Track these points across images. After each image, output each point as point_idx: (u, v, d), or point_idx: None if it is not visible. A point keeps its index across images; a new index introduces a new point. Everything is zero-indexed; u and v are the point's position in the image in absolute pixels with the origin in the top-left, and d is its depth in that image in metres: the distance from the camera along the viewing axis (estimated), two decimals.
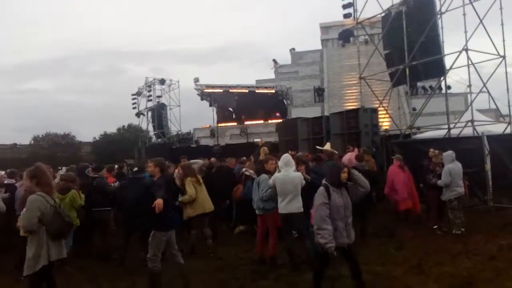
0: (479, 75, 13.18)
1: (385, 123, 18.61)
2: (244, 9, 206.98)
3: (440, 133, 13.46)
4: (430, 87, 23.99)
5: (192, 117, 62.41)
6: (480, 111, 15.33)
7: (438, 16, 13.93)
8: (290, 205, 6.43)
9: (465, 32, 13.06)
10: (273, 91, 29.15)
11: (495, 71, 13.70)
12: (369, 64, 17.09)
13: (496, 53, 13.47)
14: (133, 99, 32.23)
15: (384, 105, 16.17)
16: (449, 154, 8.38)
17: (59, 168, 14.66)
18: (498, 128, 12.93)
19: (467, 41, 12.80)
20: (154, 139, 33.74)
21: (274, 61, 35.66)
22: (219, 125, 28.81)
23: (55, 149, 48.62)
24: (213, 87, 29.10)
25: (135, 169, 8.17)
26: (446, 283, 5.60)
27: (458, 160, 8.40)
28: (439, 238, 8.09)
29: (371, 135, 13.37)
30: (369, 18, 17.24)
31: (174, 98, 30.74)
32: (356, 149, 11.04)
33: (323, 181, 5.14)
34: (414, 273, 6.06)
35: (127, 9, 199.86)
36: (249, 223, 9.08)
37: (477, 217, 9.27)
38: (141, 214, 7.06)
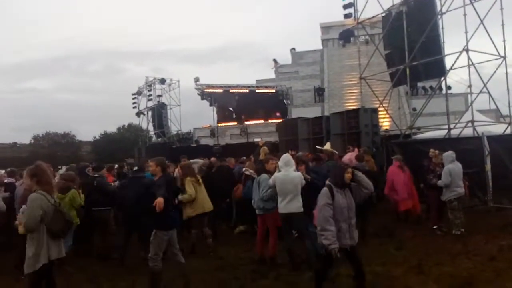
0: (479, 75, 13.20)
1: (385, 123, 18.61)
2: (244, 9, 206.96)
3: (440, 133, 13.45)
4: (431, 87, 23.98)
5: (192, 117, 62.46)
6: (480, 111, 15.31)
7: (439, 16, 13.93)
8: (290, 205, 6.43)
9: (466, 32, 13.07)
10: (273, 91, 29.15)
11: (495, 71, 13.72)
12: (370, 64, 17.09)
13: (497, 53, 13.47)
14: (133, 98, 32.25)
15: (384, 105, 16.18)
16: (449, 154, 8.38)
17: (59, 167, 14.66)
18: (498, 129, 12.93)
19: (467, 42, 12.81)
20: (154, 138, 33.74)
21: (275, 61, 35.65)
22: (219, 124, 28.81)
23: (55, 148, 48.63)
24: (213, 86, 29.11)
25: (135, 168, 8.18)
26: (446, 284, 5.60)
27: (458, 160, 8.40)
28: (439, 238, 8.10)
29: (371, 135, 13.37)
30: (369, 18, 17.24)
31: (175, 98, 30.79)
32: (356, 149, 11.04)
33: (327, 182, 5.08)
34: (414, 273, 6.06)
35: (127, 9, 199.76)
36: (249, 223, 9.08)
37: (477, 218, 9.27)
38: (141, 213, 7.08)
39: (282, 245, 6.80)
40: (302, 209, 6.48)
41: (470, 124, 12.23)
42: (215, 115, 29.77)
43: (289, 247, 6.66)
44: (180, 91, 30.77)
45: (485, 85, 13.29)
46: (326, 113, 20.92)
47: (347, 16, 17.73)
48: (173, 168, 8.66)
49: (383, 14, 16.01)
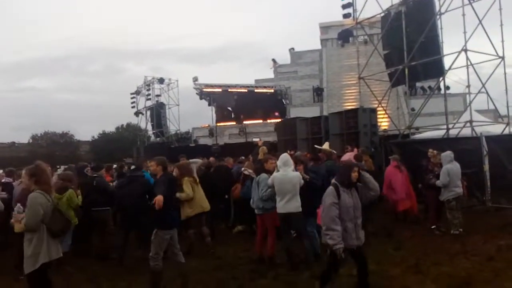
0: (478, 75, 13.19)
1: (384, 123, 18.64)
2: (244, 9, 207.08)
3: (438, 133, 13.46)
4: (429, 87, 24.00)
5: (191, 117, 62.46)
6: (478, 111, 15.32)
7: (438, 16, 13.94)
8: (289, 204, 6.43)
9: (464, 32, 13.06)
10: (272, 90, 29.14)
11: (494, 71, 13.70)
12: (368, 64, 17.10)
13: (495, 53, 13.48)
14: (132, 98, 32.23)
15: (383, 105, 16.20)
16: (448, 154, 8.39)
17: (58, 167, 14.64)
18: (497, 129, 12.94)
19: (466, 42, 12.80)
20: (153, 138, 33.74)
21: (273, 60, 35.65)
22: (218, 124, 28.80)
23: (53, 148, 48.67)
24: (212, 86, 29.10)
25: (132, 167, 8.18)
26: (444, 283, 5.61)
27: (457, 160, 8.41)
28: (437, 238, 8.10)
29: (370, 135, 13.38)
30: (368, 18, 17.24)
31: (173, 97, 30.82)
32: (355, 149, 11.05)
33: (333, 181, 5.00)
34: (412, 273, 6.07)
35: (127, 8, 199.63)
36: (248, 222, 9.08)
37: (475, 218, 9.28)
38: (140, 212, 7.08)
39: (281, 245, 6.80)
40: (300, 209, 6.49)
41: (468, 124, 12.24)
42: (214, 115, 29.78)
43: (288, 247, 6.67)
44: (179, 90, 30.87)
45: (483, 85, 13.30)
46: (325, 113, 20.94)
47: (346, 16, 17.74)
48: (171, 167, 8.65)
49: (382, 14, 16.01)
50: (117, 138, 49.97)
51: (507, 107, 13.83)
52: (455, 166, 8.31)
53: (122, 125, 54.34)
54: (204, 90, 28.74)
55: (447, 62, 14.26)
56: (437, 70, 14.08)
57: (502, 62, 13.51)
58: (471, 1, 13.35)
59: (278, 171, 6.63)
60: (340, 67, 31.37)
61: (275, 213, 6.60)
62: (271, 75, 35.11)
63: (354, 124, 13.64)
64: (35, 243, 4.30)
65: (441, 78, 14.87)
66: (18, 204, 4.49)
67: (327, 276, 5.04)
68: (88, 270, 6.97)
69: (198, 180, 7.80)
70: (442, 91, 16.14)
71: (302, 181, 6.60)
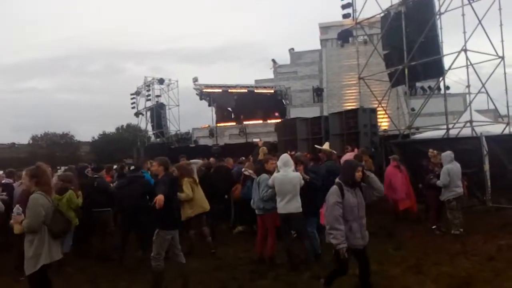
0: (478, 75, 13.19)
1: (384, 123, 18.63)
2: (244, 9, 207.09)
3: (438, 133, 13.46)
4: (429, 87, 24.01)
5: (191, 117, 62.48)
6: (478, 111, 15.33)
7: (437, 16, 13.94)
8: (289, 205, 6.44)
9: (464, 32, 13.06)
10: (272, 91, 29.17)
11: (493, 71, 13.70)
12: (368, 64, 17.10)
13: (495, 53, 13.48)
14: (132, 98, 32.25)
15: (383, 105, 16.20)
16: (448, 154, 8.38)
17: (58, 167, 14.64)
18: (497, 129, 12.94)
19: (466, 42, 12.80)
20: (153, 138, 33.73)
21: (273, 61, 35.68)
22: (218, 125, 28.80)
23: (53, 148, 48.69)
24: (212, 87, 29.11)
25: (132, 167, 8.18)
26: (445, 283, 5.60)
27: (457, 160, 8.40)
28: (437, 238, 8.10)
29: (370, 135, 13.37)
30: (368, 18, 17.24)
31: (173, 98, 30.82)
32: (356, 149, 11.05)
33: (336, 180, 4.93)
34: (412, 273, 6.07)
35: (127, 8, 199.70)
36: (248, 223, 9.09)
37: (475, 218, 9.27)
38: (140, 212, 7.09)
39: (281, 245, 6.80)
40: (301, 209, 6.49)
41: (468, 124, 12.24)
42: (214, 115, 29.80)
43: (288, 247, 6.67)
44: (179, 91, 30.88)
45: (483, 85, 13.30)
46: (325, 113, 20.94)
47: (345, 16, 17.74)
48: (171, 168, 8.65)
49: (382, 14, 16.01)
50: (117, 139, 50.00)
51: (507, 107, 13.84)
52: (456, 166, 8.30)
53: (122, 125, 54.46)
54: (204, 90, 28.76)
55: (447, 62, 14.29)
56: (437, 70, 14.08)
57: (502, 62, 13.52)
58: (471, 1, 13.36)
59: (278, 171, 6.64)
60: (340, 67, 31.38)
61: (276, 214, 6.60)
62: (271, 76, 35.15)
63: (354, 124, 13.64)
64: (36, 244, 4.29)
65: (441, 78, 14.87)
66: (17, 205, 4.48)
67: (333, 276, 5.00)
68: (88, 270, 6.97)
69: (197, 180, 7.81)
70: (442, 91, 16.15)
71: (303, 182, 6.60)
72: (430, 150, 9.20)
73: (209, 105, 29.84)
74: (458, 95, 21.58)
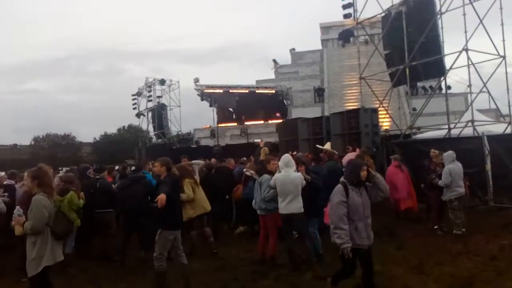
0: (479, 75, 13.19)
1: (385, 123, 18.60)
2: (244, 9, 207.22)
3: (440, 133, 13.45)
4: (430, 87, 23.99)
5: (192, 118, 62.47)
6: (480, 111, 15.32)
7: (438, 16, 13.92)
8: (291, 205, 6.44)
9: (465, 32, 13.06)
10: (273, 91, 29.19)
11: (495, 71, 13.69)
12: (369, 64, 17.08)
13: (496, 53, 13.46)
14: (133, 99, 32.31)
15: (384, 105, 16.17)
16: (449, 154, 8.37)
17: (60, 169, 14.66)
18: (499, 128, 12.91)
19: (467, 41, 12.80)
20: (154, 139, 33.78)
21: (274, 61, 35.71)
22: (219, 125, 28.83)
23: (55, 149, 48.73)
24: (213, 87, 29.15)
25: (132, 168, 8.19)
26: (446, 284, 5.60)
27: (459, 160, 8.39)
28: (439, 238, 8.09)
29: (372, 136, 13.35)
30: (369, 18, 17.23)
31: (174, 99, 30.84)
32: (357, 149, 11.04)
33: (341, 179, 4.89)
34: (414, 273, 6.06)
35: (127, 9, 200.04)
36: (250, 223, 9.08)
37: (477, 217, 9.26)
38: (142, 213, 7.09)
39: (283, 246, 6.80)
40: (302, 210, 6.49)
41: (470, 123, 12.22)
42: (215, 116, 29.83)
43: (290, 247, 6.66)
44: (180, 91, 30.88)
45: (484, 85, 13.28)
46: (326, 113, 20.91)
47: (346, 16, 17.71)
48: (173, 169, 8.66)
49: (383, 14, 16.00)
50: (118, 140, 49.99)
51: (509, 106, 13.80)
52: (457, 166, 8.29)
53: (124, 126, 54.42)
54: (205, 91, 28.80)
55: (448, 61, 14.27)
56: (438, 69, 14.07)
57: (503, 62, 13.51)
58: (472, 1, 13.34)
59: (280, 172, 6.63)
60: (341, 67, 31.40)
61: (277, 214, 6.60)
62: (272, 76, 35.20)
63: (355, 124, 13.62)
64: (39, 246, 4.29)
65: (442, 78, 14.85)
66: (17, 207, 4.48)
67: (341, 276, 4.95)
68: (90, 271, 6.98)
69: (198, 181, 7.81)
70: (443, 91, 16.12)
71: (304, 182, 6.60)
72: (432, 150, 9.19)
73: (210, 106, 29.89)
74: (460, 94, 21.54)
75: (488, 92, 13.63)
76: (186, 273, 5.76)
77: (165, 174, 5.81)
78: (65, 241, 6.35)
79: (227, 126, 29.87)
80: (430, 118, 17.87)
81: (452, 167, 8.17)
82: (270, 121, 28.35)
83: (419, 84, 24.96)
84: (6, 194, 7.98)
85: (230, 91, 29.09)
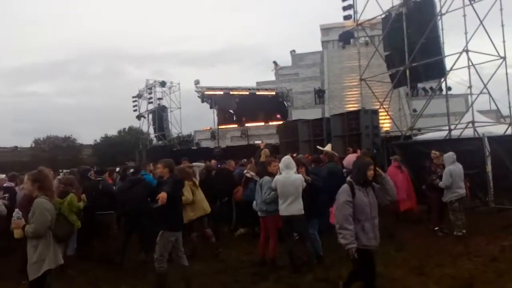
0: (479, 76, 13.19)
1: (385, 124, 18.59)
2: (244, 11, 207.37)
3: (440, 134, 13.44)
4: (431, 88, 23.96)
5: (193, 119, 62.51)
6: (480, 112, 15.29)
7: (438, 17, 13.93)
8: (291, 207, 6.43)
9: (466, 33, 13.07)
10: (274, 93, 29.21)
11: (495, 72, 13.67)
12: (370, 66, 17.09)
13: (497, 54, 13.46)
14: (133, 101, 32.37)
15: (384, 106, 16.17)
16: (450, 155, 8.36)
17: (60, 171, 14.66)
18: (499, 129, 12.90)
19: (467, 42, 12.80)
20: (155, 141, 33.81)
21: (275, 63, 35.73)
22: (220, 127, 28.88)
23: (56, 152, 48.74)
24: (213, 89, 29.18)
25: (131, 170, 8.19)
26: (447, 285, 5.59)
27: (459, 161, 8.38)
28: (440, 239, 8.08)
29: (372, 137, 13.35)
30: (369, 20, 17.25)
31: (175, 101, 30.92)
32: (358, 151, 11.02)
33: (348, 179, 4.82)
34: (414, 275, 6.05)
35: (127, 10, 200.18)
36: (250, 225, 9.07)
37: (478, 219, 9.25)
38: (143, 215, 7.08)
39: (283, 248, 6.79)
40: (303, 211, 6.48)
41: (470, 125, 12.21)
42: (216, 118, 29.89)
43: (290, 249, 6.65)
44: (181, 93, 30.98)
45: (485, 86, 13.28)
46: (327, 115, 20.92)
47: (346, 17, 17.75)
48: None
49: (383, 16, 16.04)
50: (119, 142, 50.01)
51: (509, 107, 13.78)
52: (458, 167, 8.28)
53: (124, 128, 54.47)
54: (206, 93, 28.84)
55: (448, 63, 14.26)
56: (439, 71, 14.08)
57: (504, 63, 13.50)
58: (472, 2, 13.34)
59: (280, 173, 6.63)
60: (341, 69, 31.40)
61: (278, 216, 6.60)
62: (272, 77, 35.23)
63: (356, 125, 13.62)
64: (41, 249, 4.27)
65: (442, 79, 14.84)
66: (16, 210, 4.48)
67: (353, 279, 4.88)
68: (90, 273, 6.97)
69: (197, 183, 7.82)
70: (444, 92, 16.11)
71: (305, 184, 6.59)
72: (433, 151, 9.18)
73: (211, 108, 29.93)
74: (460, 96, 21.53)
75: (489, 93, 13.63)
76: (187, 275, 5.76)
77: (168, 175, 5.80)
78: (67, 242, 6.36)
79: (228, 128, 29.90)
80: (431, 119, 17.88)
81: (452, 168, 8.17)
82: (270, 123, 28.39)
83: (420, 85, 24.93)
84: (7, 195, 8.00)
85: (231, 93, 29.11)
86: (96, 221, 7.69)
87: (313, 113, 23.25)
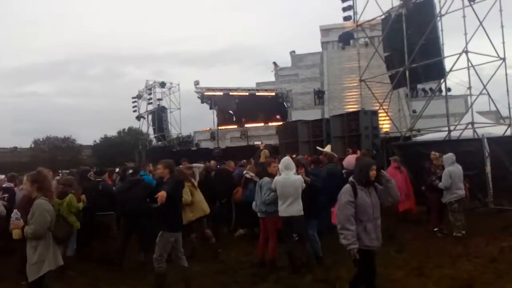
0: (479, 77, 13.19)
1: (385, 125, 18.59)
2: (244, 11, 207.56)
3: (440, 135, 13.44)
4: (430, 89, 23.98)
5: (193, 120, 62.52)
6: (480, 113, 15.29)
7: (438, 18, 13.94)
8: (291, 208, 6.43)
9: (465, 34, 13.06)
10: (273, 93, 29.23)
11: (495, 73, 13.68)
12: (369, 67, 17.09)
13: (496, 55, 13.46)
14: (133, 102, 32.38)
15: (384, 107, 16.17)
16: (449, 156, 8.36)
17: (59, 171, 14.64)
18: (499, 130, 12.90)
19: (467, 43, 12.80)
20: (154, 142, 33.79)
21: (274, 63, 35.76)
22: (220, 128, 28.89)
23: (55, 152, 48.73)
24: (213, 90, 29.19)
25: (130, 171, 8.18)
26: (447, 286, 5.60)
27: (459, 162, 8.38)
28: (439, 240, 8.08)
29: (372, 138, 13.35)
30: (369, 21, 17.24)
31: (175, 101, 30.91)
32: (357, 152, 11.03)
33: (350, 179, 4.78)
34: (414, 276, 6.05)
35: (127, 11, 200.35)
36: (249, 226, 9.07)
37: (477, 220, 9.25)
38: (142, 215, 7.08)
39: (283, 248, 6.79)
40: (302, 212, 6.48)
41: (470, 126, 12.21)
42: (215, 118, 29.91)
43: (290, 250, 6.65)
44: (180, 94, 30.97)
45: (484, 87, 13.29)
46: (326, 116, 20.97)
47: (346, 18, 17.77)
48: None
49: (383, 17, 16.03)
50: (119, 142, 50.01)
51: (509, 108, 13.77)
52: (457, 168, 8.28)
53: (124, 129, 54.48)
54: (206, 93, 28.84)
55: (448, 64, 14.27)
56: (438, 72, 14.09)
57: (503, 64, 13.48)
58: (472, 3, 13.34)
59: (280, 174, 6.63)
60: (341, 70, 31.43)
61: (277, 217, 6.60)
62: (272, 78, 35.24)
63: (355, 126, 13.63)
64: (41, 250, 4.26)
65: (442, 80, 14.86)
66: (15, 210, 4.47)
67: (358, 281, 4.82)
68: (90, 274, 6.96)
69: (196, 184, 7.81)
70: (443, 93, 16.12)
71: (304, 185, 6.59)
72: (433, 152, 9.18)
73: (211, 108, 29.94)
74: (460, 97, 21.55)
75: (488, 94, 13.66)
76: (187, 276, 5.75)
77: (168, 176, 5.80)
78: (66, 243, 6.35)
79: (227, 128, 29.92)
80: (430, 120, 17.87)
81: (452, 169, 8.17)
82: (270, 124, 28.40)
83: (419, 86, 24.93)
84: (6, 196, 7.99)
85: (230, 93, 29.14)
86: (96, 221, 7.69)
87: (313, 114, 23.27)
